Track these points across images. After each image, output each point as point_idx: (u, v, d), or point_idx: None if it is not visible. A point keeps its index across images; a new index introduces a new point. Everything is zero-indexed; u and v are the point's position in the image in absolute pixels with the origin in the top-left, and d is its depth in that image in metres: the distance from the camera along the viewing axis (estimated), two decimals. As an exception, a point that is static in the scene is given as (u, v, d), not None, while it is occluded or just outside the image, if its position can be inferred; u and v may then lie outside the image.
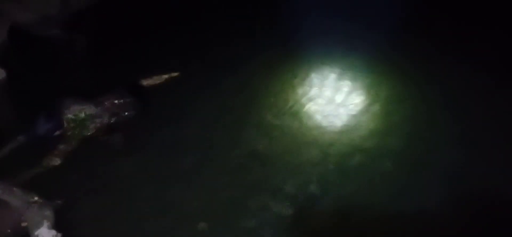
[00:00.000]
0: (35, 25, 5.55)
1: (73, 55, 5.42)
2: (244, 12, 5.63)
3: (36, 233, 3.07)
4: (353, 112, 4.36)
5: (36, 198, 3.31)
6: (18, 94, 4.55)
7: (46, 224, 3.12)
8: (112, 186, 3.72)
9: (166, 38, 5.37)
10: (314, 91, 4.59)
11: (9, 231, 3.09)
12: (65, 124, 4.07)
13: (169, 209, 3.53)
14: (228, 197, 3.66)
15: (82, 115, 4.10)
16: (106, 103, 4.21)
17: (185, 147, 4.06)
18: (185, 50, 5.19)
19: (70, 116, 4.07)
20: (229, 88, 4.64)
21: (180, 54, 5.09)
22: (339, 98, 4.53)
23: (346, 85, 4.67)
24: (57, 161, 3.83)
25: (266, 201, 3.61)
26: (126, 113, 4.26)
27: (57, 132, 4.06)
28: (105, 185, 3.71)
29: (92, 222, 3.39)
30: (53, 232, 3.09)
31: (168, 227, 3.41)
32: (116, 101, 4.27)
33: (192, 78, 4.73)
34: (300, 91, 4.61)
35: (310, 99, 4.51)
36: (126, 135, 4.15)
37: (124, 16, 5.79)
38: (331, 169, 3.86)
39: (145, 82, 4.61)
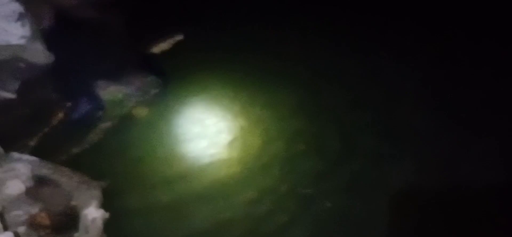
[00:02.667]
0: (78, 9, 5.68)
1: (110, 36, 5.55)
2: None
3: (85, 212, 3.16)
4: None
5: (84, 178, 3.41)
6: (63, 76, 4.70)
7: (94, 203, 3.20)
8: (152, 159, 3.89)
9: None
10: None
11: (60, 208, 3.18)
12: (105, 105, 4.32)
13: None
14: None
15: (120, 95, 4.33)
16: (136, 82, 4.49)
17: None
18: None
19: (109, 97, 4.32)
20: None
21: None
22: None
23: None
24: (100, 137, 4.02)
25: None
26: (152, 91, 4.50)
27: (99, 113, 4.29)
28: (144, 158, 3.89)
29: (138, 202, 3.49)
30: (101, 211, 3.17)
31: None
32: (143, 79, 4.56)
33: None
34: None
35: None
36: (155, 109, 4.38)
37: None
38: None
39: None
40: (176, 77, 4.67)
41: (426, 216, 3.55)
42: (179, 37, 4.94)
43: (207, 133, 4.22)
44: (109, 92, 4.42)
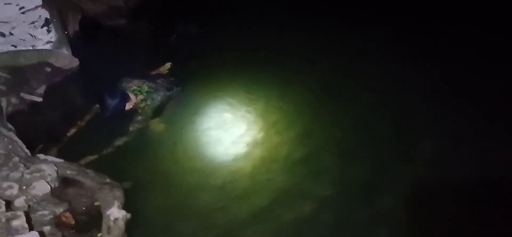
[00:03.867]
0: (104, 15, 5.80)
1: (136, 43, 5.65)
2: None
3: (107, 212, 3.19)
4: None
5: (107, 180, 3.46)
6: (89, 80, 4.79)
7: (116, 204, 3.24)
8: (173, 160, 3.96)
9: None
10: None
11: (84, 208, 3.23)
12: (133, 96, 4.42)
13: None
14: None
15: (146, 87, 4.44)
16: (158, 80, 4.65)
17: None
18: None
19: (134, 87, 4.46)
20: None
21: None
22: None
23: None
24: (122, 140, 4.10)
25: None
26: (176, 87, 4.68)
27: (127, 105, 4.40)
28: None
29: (160, 204, 3.52)
30: (123, 212, 3.20)
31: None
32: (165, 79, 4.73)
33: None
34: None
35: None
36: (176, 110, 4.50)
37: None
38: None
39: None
40: (199, 76, 4.83)
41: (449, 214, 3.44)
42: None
43: (228, 133, 4.24)
44: (134, 84, 4.62)
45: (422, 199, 3.54)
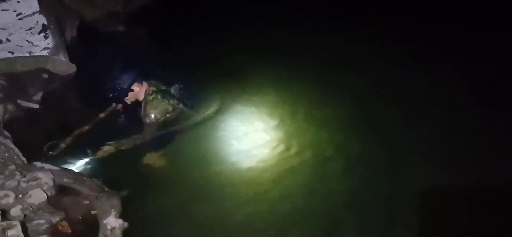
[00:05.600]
0: (102, 21, 5.79)
1: (135, 49, 5.62)
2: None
3: (104, 221, 3.15)
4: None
5: (104, 188, 3.43)
6: (86, 87, 4.77)
7: (113, 213, 3.20)
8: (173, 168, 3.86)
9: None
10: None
11: (80, 217, 3.20)
12: (145, 84, 4.05)
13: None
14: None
15: (162, 86, 4.10)
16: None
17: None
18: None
19: (152, 81, 4.09)
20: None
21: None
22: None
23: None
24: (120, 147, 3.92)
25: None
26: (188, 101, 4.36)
27: (134, 86, 4.04)
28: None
29: (157, 212, 3.48)
30: (120, 221, 3.16)
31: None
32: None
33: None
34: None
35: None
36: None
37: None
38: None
39: None
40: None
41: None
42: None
43: (242, 141, 4.14)
44: (150, 82, 4.23)
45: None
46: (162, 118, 3.96)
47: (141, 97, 4.04)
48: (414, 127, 4.23)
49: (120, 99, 4.10)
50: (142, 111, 4.03)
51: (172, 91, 4.19)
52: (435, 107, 4.46)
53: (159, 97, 3.95)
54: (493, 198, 3.49)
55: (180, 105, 4.10)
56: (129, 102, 4.10)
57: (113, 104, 4.31)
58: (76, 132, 4.14)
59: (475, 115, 4.26)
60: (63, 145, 4.00)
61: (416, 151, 3.96)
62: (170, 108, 3.97)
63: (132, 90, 3.99)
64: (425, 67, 5.02)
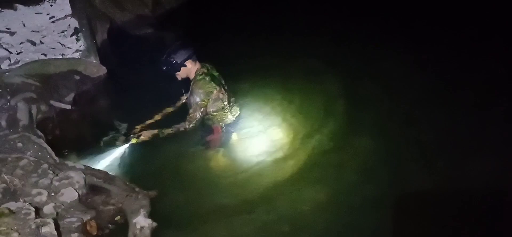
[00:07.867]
0: (131, 24, 5.89)
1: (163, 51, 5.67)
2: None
3: (133, 220, 3.17)
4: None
5: (134, 187, 3.45)
6: (116, 89, 4.84)
7: (142, 213, 3.22)
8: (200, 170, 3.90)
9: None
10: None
11: (110, 216, 3.20)
12: (200, 68, 3.98)
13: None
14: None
15: (215, 72, 4.04)
16: None
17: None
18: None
19: (207, 64, 4.03)
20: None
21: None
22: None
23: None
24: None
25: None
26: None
27: (187, 63, 3.93)
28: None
29: (185, 213, 3.48)
30: (149, 220, 3.17)
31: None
32: None
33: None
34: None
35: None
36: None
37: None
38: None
39: None
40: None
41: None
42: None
43: (257, 142, 4.16)
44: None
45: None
46: (205, 101, 3.94)
47: (192, 75, 4.00)
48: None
49: (172, 72, 4.09)
50: (189, 89, 4.05)
51: (223, 82, 4.18)
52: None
53: (207, 79, 3.88)
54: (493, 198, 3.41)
55: (225, 96, 4.09)
56: (179, 78, 4.07)
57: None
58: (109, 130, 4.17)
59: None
60: (94, 145, 4.04)
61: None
62: (214, 93, 3.96)
63: (185, 66, 3.98)
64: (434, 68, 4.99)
